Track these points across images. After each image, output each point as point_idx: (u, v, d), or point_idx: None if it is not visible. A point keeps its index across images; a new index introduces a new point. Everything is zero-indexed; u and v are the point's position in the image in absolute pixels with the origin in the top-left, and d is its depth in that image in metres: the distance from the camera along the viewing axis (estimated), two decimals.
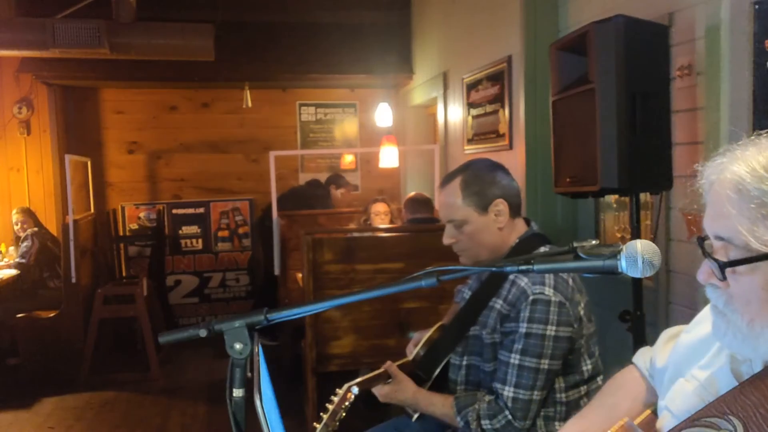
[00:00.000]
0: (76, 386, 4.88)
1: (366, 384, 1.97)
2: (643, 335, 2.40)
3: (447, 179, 2.01)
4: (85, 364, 5.01)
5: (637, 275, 1.01)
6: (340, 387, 1.94)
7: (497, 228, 1.96)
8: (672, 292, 2.62)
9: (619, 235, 3.21)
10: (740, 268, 0.92)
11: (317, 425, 1.91)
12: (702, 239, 0.99)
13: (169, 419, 4.35)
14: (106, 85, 6.41)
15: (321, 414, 1.93)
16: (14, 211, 5.68)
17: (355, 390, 1.91)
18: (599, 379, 1.95)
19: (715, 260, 0.93)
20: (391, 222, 5.01)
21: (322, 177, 6.89)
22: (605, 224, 3.39)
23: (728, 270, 0.92)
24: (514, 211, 1.98)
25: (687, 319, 1.23)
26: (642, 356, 1.33)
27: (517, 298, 1.84)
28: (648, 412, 1.17)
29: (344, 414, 1.90)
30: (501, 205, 1.94)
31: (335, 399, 1.92)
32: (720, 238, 0.94)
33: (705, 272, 0.97)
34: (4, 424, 4.26)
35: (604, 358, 1.99)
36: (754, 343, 0.93)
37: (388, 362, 2.04)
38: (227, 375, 1.02)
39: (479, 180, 1.95)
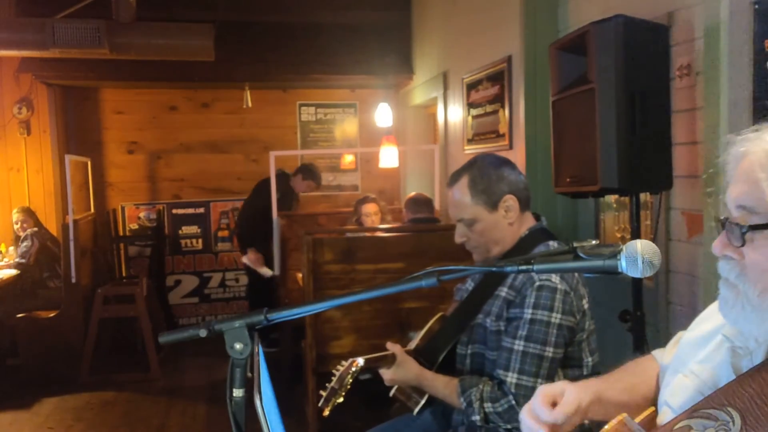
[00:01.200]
0: (76, 386, 4.88)
1: (371, 362, 1.96)
2: (643, 335, 2.40)
3: (454, 178, 2.01)
4: (85, 364, 5.01)
5: (637, 275, 1.02)
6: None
7: (508, 224, 1.96)
8: (672, 292, 2.62)
9: (619, 235, 3.21)
10: (759, 237, 0.92)
11: (323, 393, 1.91)
12: (719, 218, 1.00)
13: (169, 419, 4.35)
14: (106, 85, 6.41)
15: (326, 384, 1.92)
16: (14, 211, 5.68)
17: (360, 361, 1.89)
18: None
19: (737, 224, 0.94)
20: (383, 221, 4.98)
21: (323, 178, 6.90)
22: (605, 224, 3.39)
23: (747, 237, 0.93)
24: (524, 204, 1.99)
25: (687, 318, 1.24)
26: (659, 352, 1.35)
27: (523, 284, 1.85)
28: (652, 408, 1.17)
29: (351, 381, 1.88)
30: (510, 201, 1.95)
31: (340, 368, 1.91)
32: (742, 207, 0.95)
33: (721, 243, 0.98)
34: (4, 424, 4.26)
35: (604, 358, 1.99)
36: (762, 315, 0.94)
37: (390, 343, 2.03)
38: (227, 375, 1.02)
39: (487, 177, 1.94)
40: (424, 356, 2.06)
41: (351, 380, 1.88)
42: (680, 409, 1.03)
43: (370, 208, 4.93)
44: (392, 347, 2.01)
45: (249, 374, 1.02)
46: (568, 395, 1.14)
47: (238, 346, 1.01)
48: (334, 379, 1.90)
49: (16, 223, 5.62)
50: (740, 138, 0.99)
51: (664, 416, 1.10)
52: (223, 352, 0.99)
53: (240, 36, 5.90)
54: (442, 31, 5.34)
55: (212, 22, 5.10)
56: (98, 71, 5.73)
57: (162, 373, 5.17)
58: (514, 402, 1.81)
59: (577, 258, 1.06)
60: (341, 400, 1.88)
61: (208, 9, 5.68)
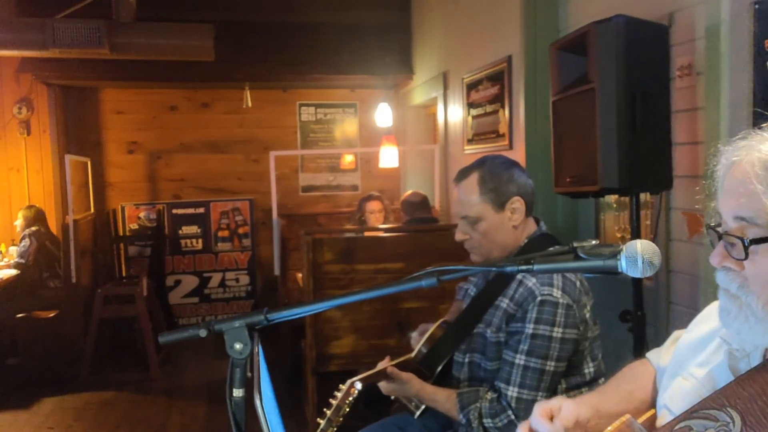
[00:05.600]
0: (76, 386, 4.88)
1: (369, 380, 1.96)
2: (643, 335, 2.40)
3: (462, 174, 1.99)
4: (85, 364, 5.01)
5: (637, 275, 1.01)
6: (343, 384, 1.94)
7: (512, 226, 1.94)
8: (672, 292, 2.62)
9: (619, 235, 3.21)
10: (761, 248, 0.91)
11: (321, 421, 1.91)
12: (712, 226, 0.98)
13: (169, 419, 4.35)
14: (106, 85, 6.41)
15: (324, 410, 1.92)
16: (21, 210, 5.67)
17: (359, 385, 1.89)
18: (601, 381, 1.94)
19: (739, 238, 0.92)
20: (386, 219, 5.00)
21: (322, 178, 6.92)
22: (605, 224, 3.39)
23: (750, 250, 0.91)
24: (529, 209, 1.98)
25: (687, 319, 1.23)
26: (654, 354, 1.34)
27: (525, 298, 1.84)
28: (653, 411, 1.17)
29: (348, 409, 1.88)
30: (517, 203, 1.93)
31: (338, 395, 1.91)
32: (740, 218, 0.93)
33: (719, 255, 0.96)
34: (4, 424, 4.26)
35: (605, 358, 1.99)
36: (767, 326, 0.93)
37: (387, 359, 2.02)
38: (227, 375, 1.02)
39: (497, 177, 1.93)
40: (424, 365, 2.06)
41: (348, 409, 1.88)
42: (679, 412, 1.03)
43: (374, 206, 4.97)
44: (390, 371, 1.96)
45: (249, 374, 1.02)
46: (566, 410, 1.14)
47: (238, 346, 1.01)
48: (332, 408, 1.89)
49: (18, 220, 5.61)
50: (729, 147, 0.98)
51: (663, 419, 1.10)
52: (223, 352, 0.99)
53: (240, 36, 5.89)
54: (442, 31, 5.34)
55: (212, 22, 5.09)
56: (98, 71, 5.72)
57: (162, 373, 5.17)
58: (513, 416, 1.81)
59: (577, 258, 1.06)
60: (335, 429, 1.88)
61: (208, 9, 5.67)
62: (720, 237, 0.96)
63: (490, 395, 1.86)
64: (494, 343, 1.91)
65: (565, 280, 1.83)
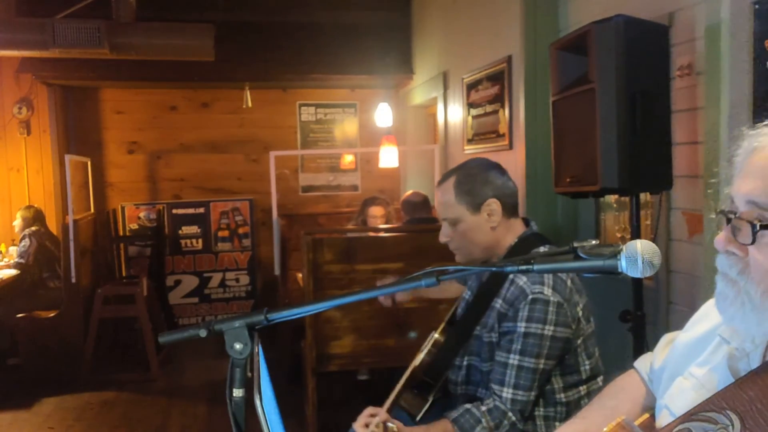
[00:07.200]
0: (76, 386, 4.88)
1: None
2: (643, 335, 2.40)
3: (443, 178, 2.03)
4: (85, 364, 5.01)
5: (637, 275, 1.01)
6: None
7: (490, 227, 1.96)
8: (672, 292, 2.62)
9: (619, 235, 3.21)
10: (767, 236, 0.91)
11: None
12: (722, 210, 0.98)
13: (169, 419, 4.34)
14: (106, 85, 6.41)
15: None
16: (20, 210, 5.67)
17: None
18: (599, 379, 1.95)
19: (749, 222, 0.92)
20: (388, 224, 4.96)
21: (322, 178, 6.93)
22: (605, 224, 3.39)
23: (758, 235, 0.91)
24: (509, 211, 1.99)
25: (687, 318, 1.23)
26: (643, 361, 1.34)
27: (516, 297, 1.84)
28: (647, 415, 1.17)
29: None
30: (493, 205, 1.95)
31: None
32: (753, 203, 0.93)
33: (725, 238, 0.96)
34: (4, 424, 4.26)
35: (605, 358, 1.99)
36: (762, 315, 0.93)
37: (371, 408, 1.86)
38: (227, 375, 1.02)
39: (472, 179, 1.96)
40: (428, 374, 2.06)
41: None
42: (679, 412, 1.03)
43: (376, 211, 4.89)
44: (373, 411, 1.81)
45: (249, 374, 1.02)
46: None
47: (238, 346, 1.01)
48: None
49: (16, 220, 5.61)
50: (753, 132, 0.97)
51: (663, 419, 1.10)
52: (223, 352, 0.99)
53: (240, 36, 5.89)
54: (442, 31, 5.34)
55: (212, 22, 5.10)
56: (98, 71, 5.73)
57: (162, 373, 5.17)
58: (514, 419, 1.81)
59: (577, 258, 1.06)
60: None
61: (208, 9, 5.68)
62: (729, 220, 0.96)
63: (485, 407, 1.82)
64: (487, 344, 1.92)
65: (556, 279, 1.83)
